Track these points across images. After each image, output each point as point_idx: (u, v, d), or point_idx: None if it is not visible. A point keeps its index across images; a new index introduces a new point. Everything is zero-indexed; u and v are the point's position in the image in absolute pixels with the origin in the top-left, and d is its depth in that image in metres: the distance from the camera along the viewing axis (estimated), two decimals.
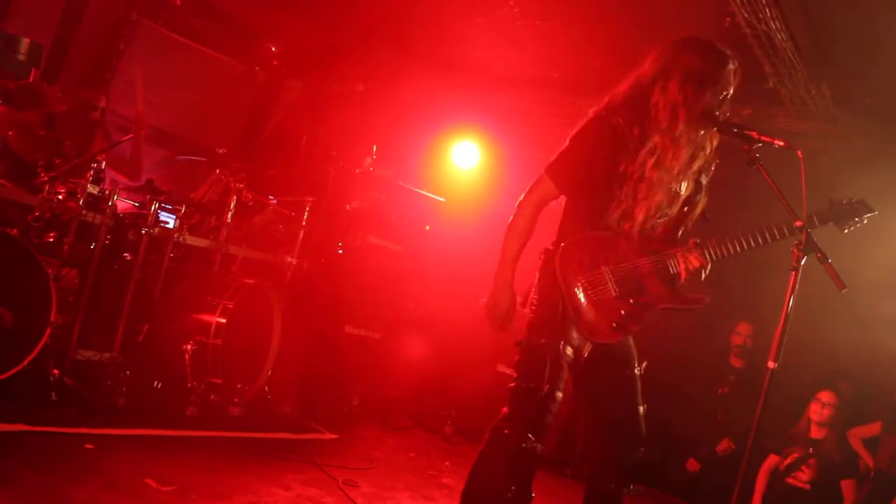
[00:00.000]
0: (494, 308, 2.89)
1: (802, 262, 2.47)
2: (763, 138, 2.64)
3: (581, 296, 2.76)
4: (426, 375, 6.48)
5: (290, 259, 5.75)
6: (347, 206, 6.10)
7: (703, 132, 2.79)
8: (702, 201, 2.96)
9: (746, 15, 4.43)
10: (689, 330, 5.53)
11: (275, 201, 5.79)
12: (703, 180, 2.95)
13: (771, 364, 2.46)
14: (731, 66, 2.82)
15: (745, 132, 2.68)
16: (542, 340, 2.76)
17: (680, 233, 2.95)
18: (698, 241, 2.84)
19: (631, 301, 2.80)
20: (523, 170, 7.42)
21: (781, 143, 2.60)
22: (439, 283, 6.72)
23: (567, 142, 2.86)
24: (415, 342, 6.37)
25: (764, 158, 2.64)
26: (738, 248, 2.79)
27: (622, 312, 2.79)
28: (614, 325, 2.78)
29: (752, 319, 6.05)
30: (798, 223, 2.53)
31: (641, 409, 2.88)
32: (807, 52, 4.91)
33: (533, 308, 2.84)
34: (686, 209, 2.93)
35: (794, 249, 2.49)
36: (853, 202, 2.81)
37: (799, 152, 2.53)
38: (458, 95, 7.23)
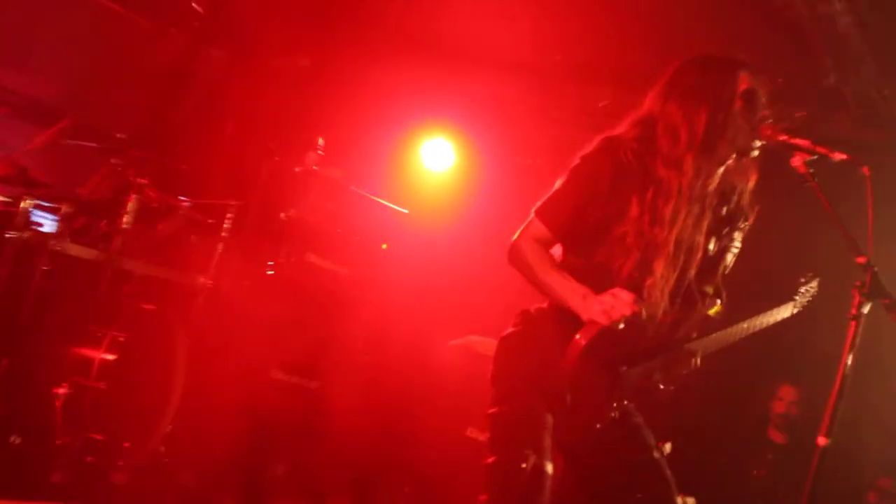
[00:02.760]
0: (605, 318, 2.79)
1: (865, 311, 2.48)
2: (819, 149, 2.67)
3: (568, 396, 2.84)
4: (374, 438, 6.36)
5: (203, 280, 5.71)
6: (282, 215, 6.08)
7: (723, 160, 2.93)
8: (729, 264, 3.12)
9: None
10: (717, 393, 5.53)
11: (188, 204, 5.75)
12: (737, 239, 3.11)
13: (821, 440, 2.46)
14: (742, 72, 2.93)
15: (794, 141, 2.73)
16: (518, 404, 2.85)
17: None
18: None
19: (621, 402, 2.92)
20: (510, 179, 7.56)
21: (843, 157, 2.62)
22: (397, 318, 6.67)
23: (564, 175, 2.97)
24: (361, 394, 6.26)
25: (819, 175, 2.66)
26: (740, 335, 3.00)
27: (613, 416, 2.89)
28: (598, 426, 2.86)
29: (798, 382, 6.06)
30: (861, 259, 2.54)
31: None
32: (879, 42, 4.94)
33: (499, 366, 2.98)
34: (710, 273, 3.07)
35: (855, 293, 2.51)
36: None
37: (865, 168, 2.56)
38: (431, 80, 7.25)
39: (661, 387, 2.94)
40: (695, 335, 3.02)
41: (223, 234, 5.83)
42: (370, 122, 7.50)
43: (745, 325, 3.10)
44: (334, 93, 7.43)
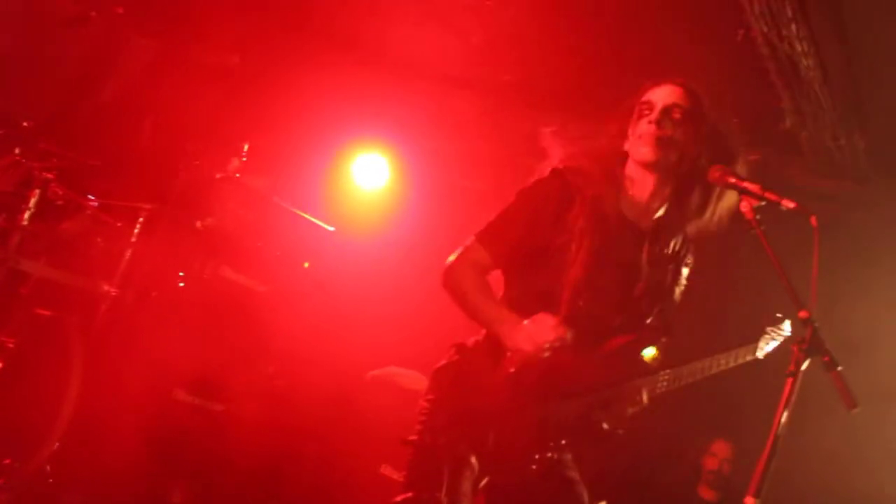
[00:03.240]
0: (530, 344, 2.83)
1: (803, 367, 2.48)
2: (768, 195, 2.71)
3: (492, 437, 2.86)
4: (281, 470, 6.32)
5: (107, 287, 5.61)
6: (198, 223, 6.02)
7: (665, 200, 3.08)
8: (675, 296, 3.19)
9: (765, 29, 4.56)
10: (647, 445, 5.56)
11: (96, 203, 5.67)
12: (683, 276, 3.21)
13: (750, 501, 2.42)
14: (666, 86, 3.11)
15: (744, 184, 2.78)
16: (440, 441, 2.89)
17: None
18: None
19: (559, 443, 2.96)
20: (447, 201, 7.55)
21: (792, 206, 2.65)
22: (315, 343, 6.62)
23: (510, 201, 3.08)
24: (270, 422, 6.24)
25: (766, 223, 2.70)
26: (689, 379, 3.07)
27: (550, 457, 2.93)
28: (534, 466, 2.89)
29: (733, 437, 6.14)
30: (803, 314, 2.55)
31: None
32: (839, 87, 5.04)
33: (429, 400, 3.04)
34: (648, 306, 3.14)
35: (795, 349, 2.51)
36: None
37: (813, 219, 2.57)
38: (369, 90, 7.22)
39: (605, 426, 2.93)
40: (644, 371, 3.07)
41: (133, 239, 5.73)
42: (301, 131, 7.47)
43: (702, 365, 3.13)
44: (264, 96, 7.32)
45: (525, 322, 2.81)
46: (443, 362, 3.10)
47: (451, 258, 3.05)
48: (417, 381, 6.15)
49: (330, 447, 6.35)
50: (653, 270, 3.11)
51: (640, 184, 3.09)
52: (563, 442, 2.93)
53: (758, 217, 2.69)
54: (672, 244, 3.17)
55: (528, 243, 3.00)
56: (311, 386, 6.50)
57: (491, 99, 6.88)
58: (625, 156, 3.12)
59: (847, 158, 5.59)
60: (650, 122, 3.02)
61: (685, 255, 3.21)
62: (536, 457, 2.89)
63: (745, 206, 2.73)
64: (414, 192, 7.58)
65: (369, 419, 5.89)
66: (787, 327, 3.46)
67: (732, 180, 2.81)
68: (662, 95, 3.07)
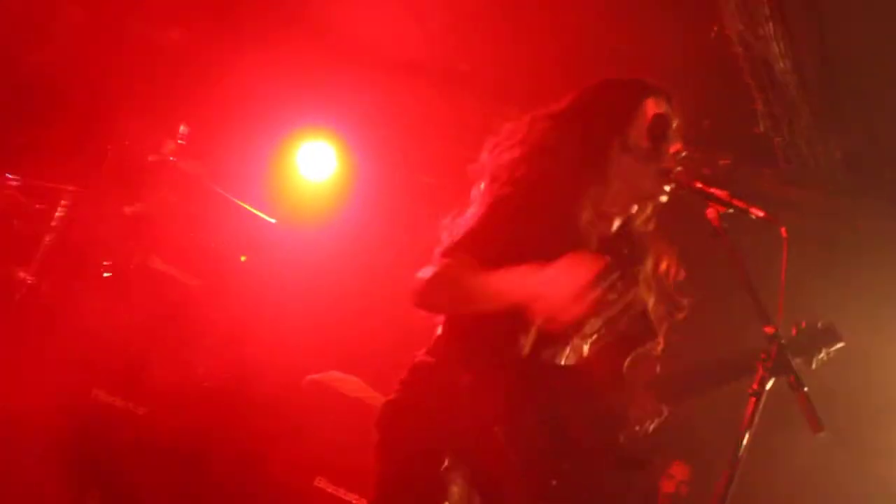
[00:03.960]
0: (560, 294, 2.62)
1: (768, 387, 2.51)
2: (736, 202, 2.72)
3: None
4: (206, 480, 6.16)
5: (23, 274, 5.57)
6: (127, 209, 5.95)
7: (624, 210, 3.06)
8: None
9: (740, 27, 4.63)
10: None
11: (15, 182, 5.63)
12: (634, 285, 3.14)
13: None
14: (650, 99, 3.04)
15: (711, 190, 2.78)
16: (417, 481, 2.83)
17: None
18: None
19: None
20: (397, 196, 7.47)
21: (760, 214, 2.66)
22: (250, 342, 6.50)
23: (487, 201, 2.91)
24: (196, 427, 6.15)
25: (734, 232, 2.70)
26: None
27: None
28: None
29: (691, 458, 6.22)
30: (769, 329, 2.57)
31: None
32: (817, 92, 5.12)
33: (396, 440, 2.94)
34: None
35: (760, 366, 2.54)
36: (822, 327, 3.05)
37: (783, 230, 2.61)
38: (319, 74, 7.21)
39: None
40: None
41: (54, 223, 5.71)
42: (243, 114, 7.42)
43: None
44: (205, 75, 7.25)
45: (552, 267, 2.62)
46: (396, 393, 3.01)
47: (427, 273, 2.84)
48: (360, 388, 6.14)
49: (261, 456, 6.22)
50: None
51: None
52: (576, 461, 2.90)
53: (725, 225, 2.69)
54: (626, 249, 3.15)
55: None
56: (243, 389, 6.39)
57: (447, 89, 6.89)
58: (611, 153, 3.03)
59: (822, 168, 5.66)
60: (676, 162, 2.99)
61: (635, 261, 3.18)
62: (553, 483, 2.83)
63: (711, 213, 2.73)
64: (362, 185, 7.54)
65: (306, 427, 5.85)
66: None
67: (699, 185, 2.82)
68: (673, 118, 3.04)
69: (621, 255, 3.08)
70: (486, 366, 2.83)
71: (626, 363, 3.10)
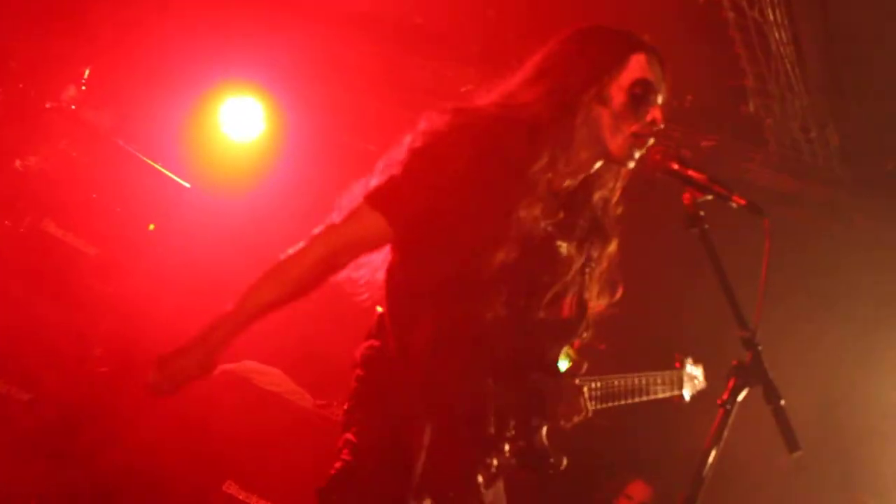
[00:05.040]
0: (177, 371, 3.09)
1: (740, 398, 2.50)
2: (716, 188, 2.74)
3: None
4: (101, 483, 6.12)
5: None
6: (18, 163, 5.90)
7: (585, 166, 3.11)
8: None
9: None
10: (546, 485, 5.64)
11: None
12: (596, 259, 3.23)
13: None
14: (638, 55, 3.07)
15: (688, 172, 2.81)
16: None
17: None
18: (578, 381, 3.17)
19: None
20: (334, 162, 7.39)
21: (742, 203, 2.68)
22: (156, 324, 6.32)
23: (411, 153, 2.94)
24: (91, 418, 6.13)
25: (713, 221, 2.70)
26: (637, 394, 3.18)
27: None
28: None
29: (651, 478, 6.24)
30: (743, 334, 2.57)
31: None
32: (815, 69, 5.13)
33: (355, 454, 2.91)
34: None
35: (731, 375, 2.53)
36: None
37: (766, 221, 2.61)
38: (247, 22, 7.17)
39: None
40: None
41: None
42: (159, 61, 7.36)
43: (636, 382, 3.30)
44: (117, 13, 7.19)
45: (201, 355, 3.07)
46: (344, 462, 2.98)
47: (318, 228, 3.01)
48: (280, 381, 6.11)
49: (163, 456, 6.11)
50: (562, 242, 3.15)
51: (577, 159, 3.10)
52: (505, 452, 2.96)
53: (701, 213, 2.70)
54: (583, 219, 3.22)
55: (436, 207, 2.92)
56: (144, 377, 6.35)
57: (397, 44, 6.88)
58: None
59: (817, 155, 5.68)
60: (653, 129, 3.03)
61: (599, 235, 3.25)
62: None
63: (687, 199, 2.74)
64: (292, 148, 7.54)
65: (215, 424, 5.79)
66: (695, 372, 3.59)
67: (675, 166, 2.83)
68: (660, 83, 3.08)
69: (575, 222, 3.16)
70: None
71: (558, 349, 3.19)
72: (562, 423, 3.21)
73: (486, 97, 3.10)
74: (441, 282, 2.88)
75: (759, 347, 2.55)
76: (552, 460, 3.09)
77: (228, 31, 7.30)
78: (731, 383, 2.51)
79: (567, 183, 3.11)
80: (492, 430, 2.92)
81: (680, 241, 3.05)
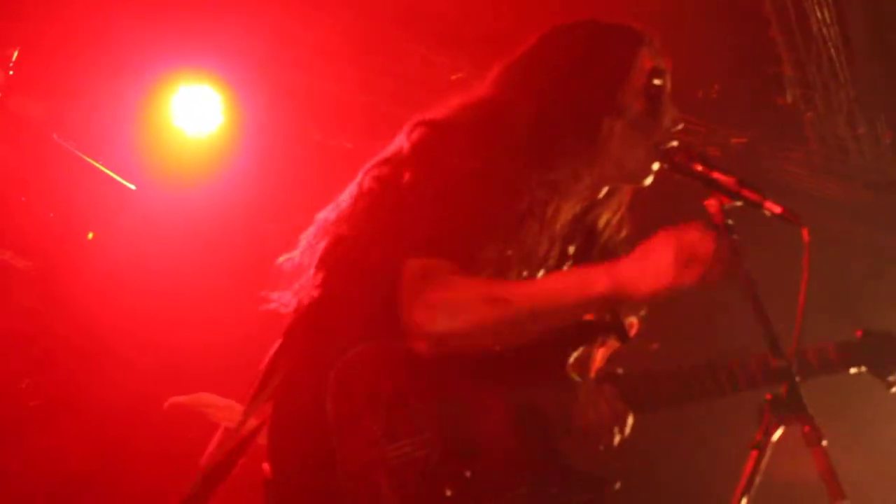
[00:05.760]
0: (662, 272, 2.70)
1: (775, 437, 2.46)
2: (747, 193, 2.68)
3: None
4: None
5: None
6: None
7: (598, 187, 3.14)
8: None
9: None
10: None
11: None
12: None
13: None
14: (645, 49, 3.11)
15: (714, 175, 2.76)
16: None
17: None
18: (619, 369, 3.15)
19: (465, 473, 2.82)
20: (302, 161, 7.63)
21: (777, 210, 2.63)
22: (95, 347, 6.54)
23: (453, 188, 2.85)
24: (18, 455, 6.22)
25: (743, 231, 2.65)
26: (687, 395, 3.13)
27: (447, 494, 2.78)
28: None
29: None
30: (774, 362, 2.57)
31: None
32: (864, 56, 5.06)
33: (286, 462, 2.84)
34: None
35: (765, 411, 2.48)
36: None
37: (805, 231, 2.54)
38: (202, 1, 7.09)
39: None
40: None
41: None
42: (101, 44, 7.18)
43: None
44: None
45: (629, 260, 2.72)
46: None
47: (419, 309, 2.74)
48: (236, 415, 6.04)
49: (101, 497, 6.28)
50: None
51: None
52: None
53: (729, 221, 2.67)
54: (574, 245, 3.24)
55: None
56: (84, 410, 6.42)
57: (376, 28, 6.86)
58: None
59: (865, 154, 5.67)
60: (674, 132, 3.01)
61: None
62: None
63: (712, 205, 2.71)
64: (253, 143, 7.50)
65: (164, 464, 5.87)
66: None
67: (699, 168, 2.82)
68: (665, 72, 3.09)
69: (582, 254, 3.22)
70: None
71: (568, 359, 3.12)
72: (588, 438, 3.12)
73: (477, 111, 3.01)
74: None
75: (797, 379, 2.54)
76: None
77: (183, 9, 7.19)
78: (764, 420, 2.48)
79: (571, 215, 3.14)
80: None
81: None
